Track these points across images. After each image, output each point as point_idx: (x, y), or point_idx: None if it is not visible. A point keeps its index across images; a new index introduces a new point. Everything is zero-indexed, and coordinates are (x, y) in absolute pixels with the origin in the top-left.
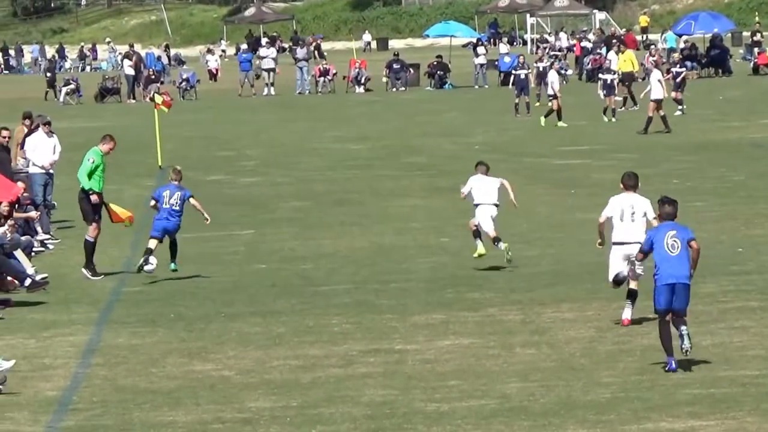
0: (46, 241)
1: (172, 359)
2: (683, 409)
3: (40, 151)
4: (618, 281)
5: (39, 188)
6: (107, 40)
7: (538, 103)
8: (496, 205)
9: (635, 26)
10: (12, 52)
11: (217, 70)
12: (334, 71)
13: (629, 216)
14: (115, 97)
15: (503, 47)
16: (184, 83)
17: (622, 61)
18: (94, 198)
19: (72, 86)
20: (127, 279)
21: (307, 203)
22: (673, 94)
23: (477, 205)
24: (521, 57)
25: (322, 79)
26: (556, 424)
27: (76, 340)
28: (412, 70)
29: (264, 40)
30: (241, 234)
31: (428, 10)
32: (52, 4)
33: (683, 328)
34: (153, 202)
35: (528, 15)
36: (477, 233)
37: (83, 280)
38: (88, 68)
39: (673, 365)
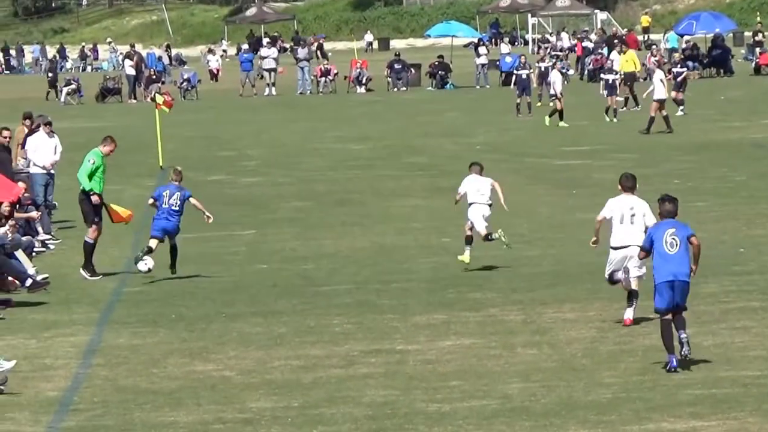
0: (47, 242)
1: (173, 359)
2: (685, 410)
3: (41, 151)
4: (613, 281)
5: (40, 188)
6: (108, 40)
7: (539, 103)
8: (489, 205)
9: (637, 26)
10: (13, 52)
11: (218, 70)
12: (336, 71)
13: (629, 218)
14: (116, 97)
15: (504, 47)
16: (185, 83)
17: (624, 61)
18: (95, 198)
19: (73, 86)
20: (128, 279)
21: (308, 203)
22: (673, 94)
23: (471, 204)
24: (523, 57)
25: (323, 79)
26: (557, 424)
27: (77, 341)
28: (413, 70)
29: (265, 40)
30: (242, 234)
31: (429, 10)
32: (53, 4)
33: (683, 335)
34: (152, 201)
35: (529, 15)
36: (469, 239)
37: (84, 281)
38: (89, 68)
39: (674, 363)
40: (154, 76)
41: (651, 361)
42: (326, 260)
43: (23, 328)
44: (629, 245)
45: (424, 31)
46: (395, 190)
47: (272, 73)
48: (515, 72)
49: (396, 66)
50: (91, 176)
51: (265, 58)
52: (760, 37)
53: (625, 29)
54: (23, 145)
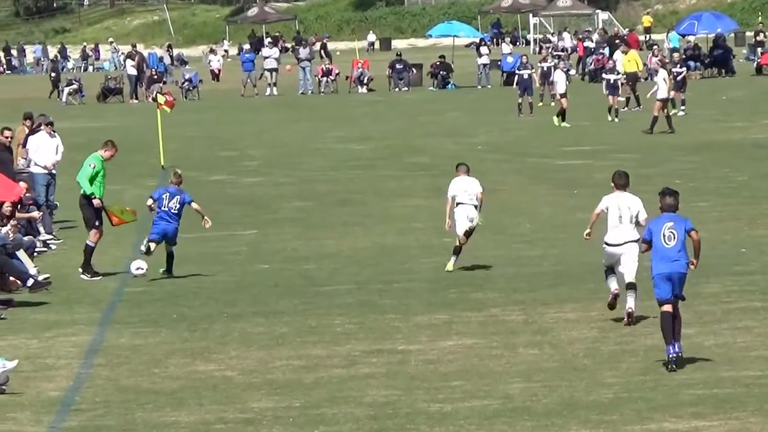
0: (48, 242)
1: (175, 359)
2: (686, 410)
3: (43, 151)
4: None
5: (41, 188)
6: (110, 40)
7: (540, 103)
8: (475, 206)
9: (638, 26)
10: (14, 52)
11: (219, 70)
12: (337, 71)
13: (625, 216)
14: (117, 97)
15: (506, 47)
16: (186, 83)
17: (627, 62)
18: (96, 202)
19: (74, 86)
20: (130, 279)
21: (309, 203)
22: (673, 93)
23: (458, 205)
24: (524, 57)
25: (324, 79)
26: (558, 424)
27: (78, 341)
28: (414, 70)
29: (266, 40)
30: (243, 234)
31: (431, 10)
32: (55, 4)
33: (676, 345)
34: (151, 201)
35: (531, 15)
36: (458, 250)
37: (84, 281)
38: (90, 68)
39: (671, 351)
40: (155, 76)
41: (653, 361)
42: (328, 260)
43: (25, 328)
44: (624, 242)
45: (426, 31)
46: (397, 190)
47: (273, 73)
48: (517, 72)
49: (397, 66)
50: (91, 181)
51: (267, 58)
52: (761, 37)
53: (627, 29)
54: (24, 145)
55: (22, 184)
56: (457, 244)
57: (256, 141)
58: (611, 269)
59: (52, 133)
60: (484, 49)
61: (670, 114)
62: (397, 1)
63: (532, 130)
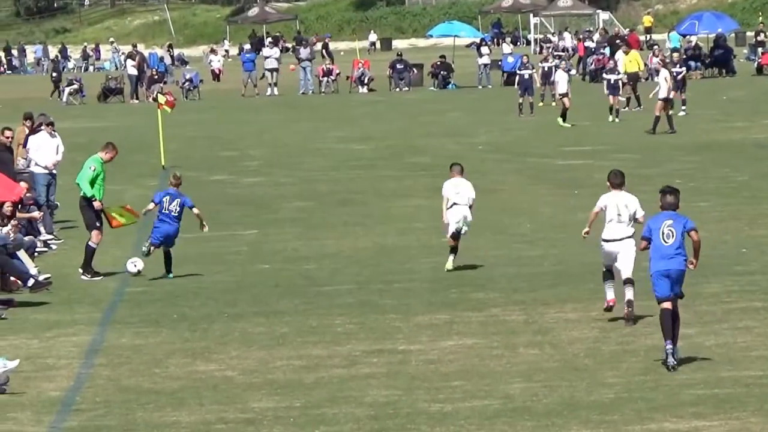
0: (49, 242)
1: (176, 359)
2: (687, 410)
3: (43, 151)
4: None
5: (42, 188)
6: (110, 40)
7: (541, 103)
8: (470, 207)
9: (639, 26)
10: (15, 52)
11: (220, 70)
12: (338, 71)
13: (625, 215)
14: (118, 97)
15: (506, 47)
16: (187, 83)
17: (628, 62)
18: (97, 205)
19: (75, 86)
20: (130, 279)
21: (310, 203)
22: (672, 93)
23: (453, 205)
24: (525, 57)
25: (325, 79)
26: (559, 424)
27: (79, 341)
28: (415, 70)
29: (267, 40)
30: (244, 234)
31: (431, 10)
32: (55, 4)
33: (674, 347)
34: (152, 206)
35: (531, 15)
36: (454, 249)
37: (85, 281)
38: (91, 68)
39: (670, 344)
40: (156, 76)
41: (653, 361)
42: (328, 260)
43: (25, 328)
44: (621, 238)
45: (427, 31)
46: (397, 190)
47: (274, 73)
48: (518, 72)
49: (398, 66)
50: (92, 183)
51: (268, 58)
52: (762, 37)
53: (627, 29)
54: (24, 145)
55: (23, 184)
56: (451, 243)
57: (257, 141)
58: (609, 273)
59: (53, 133)
60: (484, 49)
61: (669, 114)
62: (397, 1)
63: (532, 130)
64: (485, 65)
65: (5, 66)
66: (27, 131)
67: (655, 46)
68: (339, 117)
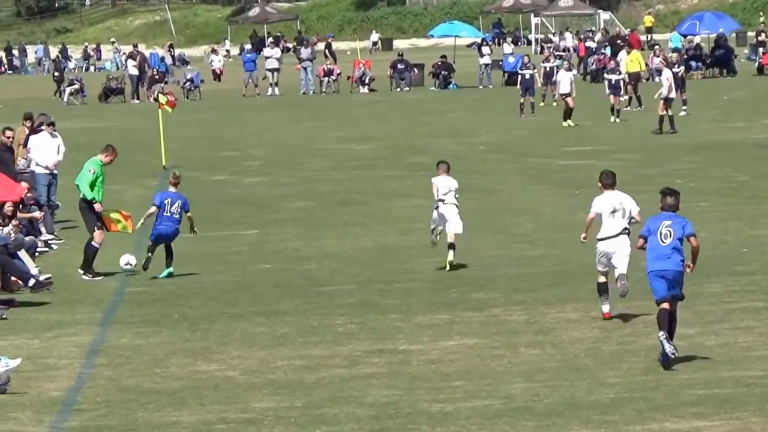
0: (49, 242)
1: (176, 359)
2: (687, 410)
3: (44, 151)
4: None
5: (43, 188)
6: (111, 40)
7: (542, 104)
8: (456, 206)
9: (640, 26)
10: (16, 52)
11: (221, 70)
12: (339, 71)
13: (620, 213)
14: (119, 97)
15: (507, 47)
16: (188, 83)
17: (629, 62)
18: (98, 207)
19: (76, 86)
20: (131, 279)
21: (310, 203)
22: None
23: (439, 204)
24: (526, 57)
25: (326, 79)
26: (560, 424)
27: (80, 341)
28: (416, 70)
29: (268, 40)
30: (244, 234)
31: (432, 10)
32: (56, 4)
33: (668, 347)
34: (153, 209)
35: (532, 15)
36: (451, 245)
37: (86, 281)
38: (92, 68)
39: (664, 334)
40: (157, 76)
41: (654, 361)
42: (329, 260)
43: (26, 328)
44: (617, 234)
45: (427, 31)
46: (397, 190)
47: (275, 73)
48: (519, 72)
49: (399, 66)
50: (91, 186)
51: (268, 58)
52: (763, 37)
53: (628, 29)
54: (25, 145)
55: (24, 184)
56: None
57: (258, 141)
58: (604, 286)
59: (54, 133)
60: (485, 49)
61: (670, 114)
62: (398, 1)
63: (533, 130)
64: (486, 65)
65: (6, 66)
66: (27, 131)
67: (656, 46)
68: (340, 117)
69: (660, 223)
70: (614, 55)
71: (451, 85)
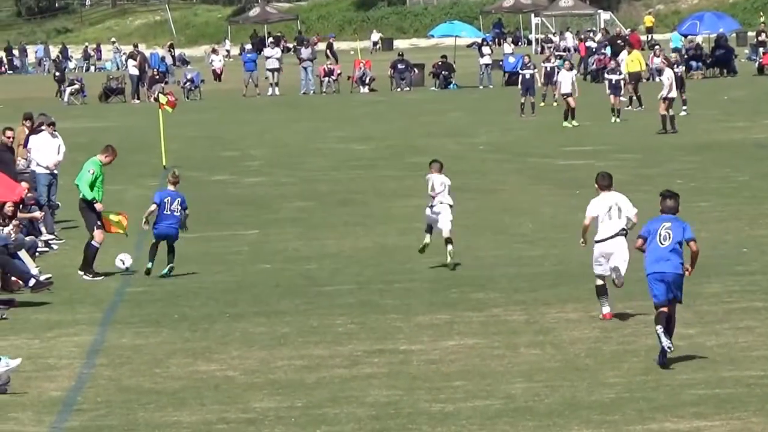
0: (50, 242)
1: (177, 359)
2: (688, 410)
3: (45, 151)
4: (601, 293)
5: (43, 188)
6: (112, 40)
7: (542, 104)
8: (450, 205)
9: (640, 26)
10: (16, 52)
11: (221, 70)
12: (339, 71)
13: (615, 214)
14: (119, 97)
15: (507, 47)
16: (188, 83)
17: (630, 61)
18: (99, 206)
19: (76, 86)
20: (131, 279)
21: (311, 203)
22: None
23: (435, 204)
24: (526, 57)
25: (326, 79)
26: (560, 424)
27: (80, 341)
28: (416, 70)
29: (269, 40)
30: (245, 234)
31: (433, 10)
32: (57, 4)
33: (666, 343)
34: (153, 207)
35: (533, 15)
36: (429, 228)
37: (87, 281)
38: (92, 68)
39: (661, 330)
40: (157, 76)
41: (654, 361)
42: (329, 260)
43: (26, 328)
44: (614, 235)
45: (428, 31)
46: (397, 190)
47: (275, 73)
48: (520, 72)
49: (399, 66)
50: (91, 186)
51: (269, 58)
52: (763, 37)
53: (629, 29)
54: (25, 145)
55: (24, 185)
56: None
57: (258, 141)
58: (603, 288)
59: (54, 133)
60: (486, 49)
61: (671, 114)
62: (399, 1)
63: (533, 130)
64: (486, 65)
65: (6, 66)
66: (27, 131)
67: (656, 46)
68: (340, 117)
69: (660, 225)
70: (614, 55)
71: (451, 85)
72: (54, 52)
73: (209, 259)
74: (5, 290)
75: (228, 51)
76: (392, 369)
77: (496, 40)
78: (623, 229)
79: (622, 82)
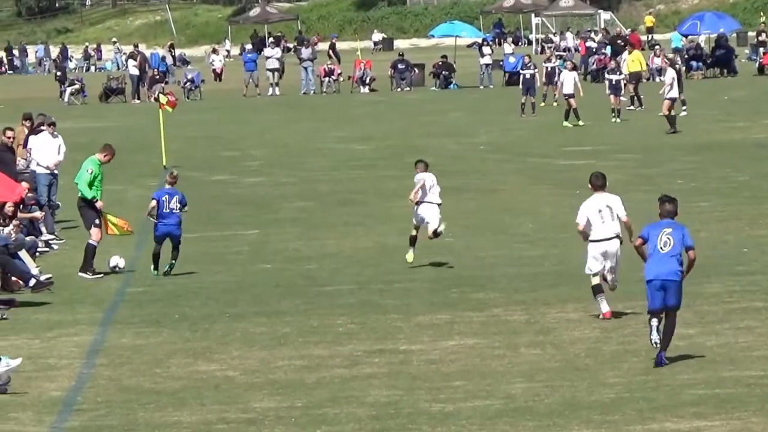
0: (50, 242)
1: (177, 359)
2: (688, 410)
3: (45, 151)
4: (597, 292)
5: (43, 188)
6: (112, 40)
7: (543, 104)
8: (438, 204)
9: (640, 26)
10: (16, 52)
11: (221, 70)
12: (339, 71)
13: (607, 214)
14: (119, 97)
15: (508, 47)
16: (188, 83)
17: (630, 61)
18: (99, 204)
19: (76, 86)
20: (131, 279)
21: (311, 203)
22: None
23: (421, 202)
24: (527, 57)
25: (326, 79)
26: (560, 424)
27: (80, 341)
28: (417, 70)
29: (269, 40)
30: (245, 234)
31: (433, 10)
32: (57, 4)
33: (656, 334)
34: (153, 203)
35: (533, 15)
36: (414, 240)
37: (86, 281)
38: (92, 68)
39: (656, 324)
40: (157, 76)
41: (654, 361)
42: (329, 260)
43: (27, 328)
44: (610, 237)
45: (428, 31)
46: (397, 190)
47: (276, 73)
48: (521, 72)
49: (399, 66)
50: (90, 185)
51: (269, 58)
52: (763, 37)
53: (629, 29)
54: (24, 146)
55: (24, 185)
56: (413, 234)
57: (258, 141)
58: (599, 287)
59: (54, 133)
60: (486, 49)
61: (673, 114)
62: (399, 1)
63: (533, 130)
64: (487, 65)
65: (6, 66)
66: (27, 131)
67: (657, 46)
68: (340, 117)
69: (660, 230)
70: (615, 55)
71: (451, 85)
72: (54, 52)
73: (209, 259)
74: (6, 290)
75: (228, 51)
76: (392, 369)
77: (497, 40)
78: (617, 234)
79: (622, 82)
